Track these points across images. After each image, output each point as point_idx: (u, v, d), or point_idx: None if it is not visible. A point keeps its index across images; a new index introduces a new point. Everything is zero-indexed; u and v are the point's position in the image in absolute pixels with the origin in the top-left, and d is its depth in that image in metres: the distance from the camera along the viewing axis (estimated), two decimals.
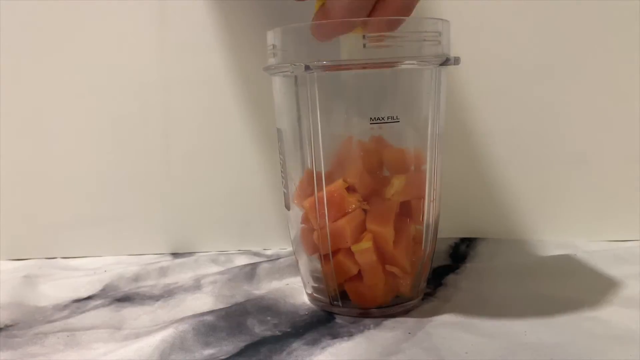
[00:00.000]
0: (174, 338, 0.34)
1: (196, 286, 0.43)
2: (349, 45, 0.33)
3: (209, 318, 0.36)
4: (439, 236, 0.39)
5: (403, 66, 0.33)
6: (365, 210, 0.35)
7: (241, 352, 0.32)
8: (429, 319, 0.36)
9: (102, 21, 0.47)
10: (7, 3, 0.47)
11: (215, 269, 0.46)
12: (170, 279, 0.44)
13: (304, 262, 0.39)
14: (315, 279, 0.38)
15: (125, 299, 0.41)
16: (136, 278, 0.44)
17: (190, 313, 0.37)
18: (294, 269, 0.42)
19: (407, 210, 0.36)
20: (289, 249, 0.41)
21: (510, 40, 0.48)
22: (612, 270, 0.42)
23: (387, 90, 0.35)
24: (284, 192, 0.39)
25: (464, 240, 0.51)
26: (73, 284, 0.44)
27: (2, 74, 0.48)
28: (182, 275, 0.45)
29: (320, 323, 0.36)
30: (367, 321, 0.36)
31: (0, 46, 0.47)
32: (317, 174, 0.35)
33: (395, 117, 0.34)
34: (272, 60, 0.36)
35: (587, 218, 0.50)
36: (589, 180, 0.50)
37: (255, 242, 0.51)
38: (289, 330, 0.35)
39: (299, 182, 0.37)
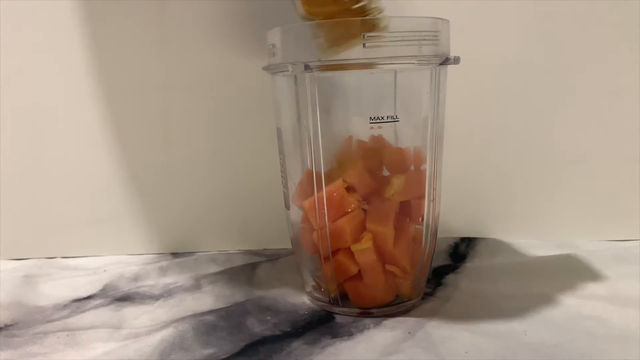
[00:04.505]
0: (174, 338, 0.34)
1: (196, 286, 0.43)
2: None
3: (209, 318, 0.37)
4: (439, 236, 0.39)
5: (403, 66, 0.33)
6: (365, 210, 0.35)
7: (241, 352, 0.32)
8: (429, 318, 0.36)
9: (102, 21, 0.47)
10: (7, 3, 0.47)
11: (215, 268, 0.46)
12: (170, 279, 0.44)
13: (304, 262, 0.39)
14: (315, 278, 0.38)
15: (125, 299, 0.41)
16: (136, 278, 0.44)
17: (190, 313, 0.37)
18: (294, 268, 0.42)
19: (407, 210, 0.36)
20: (289, 248, 0.41)
21: (510, 40, 0.48)
22: (612, 270, 0.42)
23: (386, 90, 0.35)
24: (284, 192, 0.39)
25: (464, 240, 0.51)
26: (73, 283, 0.44)
27: (2, 73, 0.48)
28: (182, 275, 0.45)
29: (320, 323, 0.36)
30: (367, 321, 0.36)
31: (1, 46, 0.47)
32: (317, 174, 0.35)
33: (395, 117, 0.34)
34: (271, 60, 0.36)
35: (587, 218, 0.50)
36: (589, 180, 0.50)
37: (255, 242, 0.51)
38: (288, 329, 0.35)
39: (299, 182, 0.37)
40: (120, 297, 0.41)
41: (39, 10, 0.47)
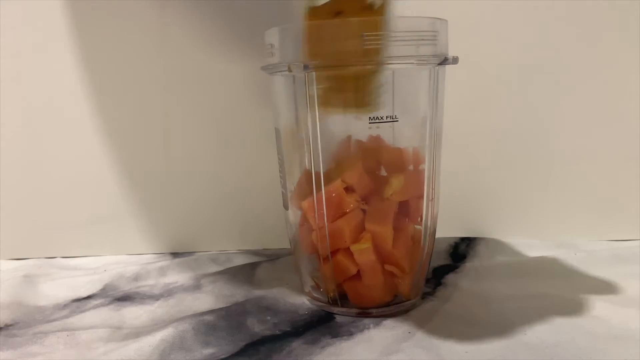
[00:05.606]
0: (173, 337, 0.34)
1: (196, 286, 0.43)
2: None
3: (209, 317, 0.37)
4: (438, 236, 0.39)
5: (401, 66, 0.33)
6: (364, 210, 0.35)
7: (241, 352, 0.32)
8: (429, 318, 0.36)
9: (102, 21, 0.47)
10: (7, 3, 0.47)
11: (215, 268, 0.46)
12: (170, 279, 0.44)
13: (303, 262, 0.39)
14: (314, 279, 0.38)
15: (125, 299, 0.41)
16: (136, 277, 0.45)
17: (190, 312, 0.37)
18: (293, 268, 0.42)
19: (406, 210, 0.36)
20: (289, 248, 0.41)
21: (509, 40, 0.48)
22: (612, 270, 0.42)
23: (385, 90, 0.35)
24: (283, 193, 0.39)
25: (464, 239, 0.51)
26: (73, 283, 0.44)
27: (2, 73, 0.48)
28: (182, 274, 0.45)
29: (320, 322, 0.36)
30: (367, 321, 0.36)
31: (1, 45, 0.47)
32: (316, 174, 0.35)
33: (393, 117, 0.34)
34: (270, 60, 0.36)
35: (587, 218, 0.50)
36: (589, 180, 0.50)
37: (255, 242, 0.51)
38: (288, 329, 0.35)
39: (298, 182, 0.37)
40: (120, 297, 0.41)
41: (38, 10, 0.47)
